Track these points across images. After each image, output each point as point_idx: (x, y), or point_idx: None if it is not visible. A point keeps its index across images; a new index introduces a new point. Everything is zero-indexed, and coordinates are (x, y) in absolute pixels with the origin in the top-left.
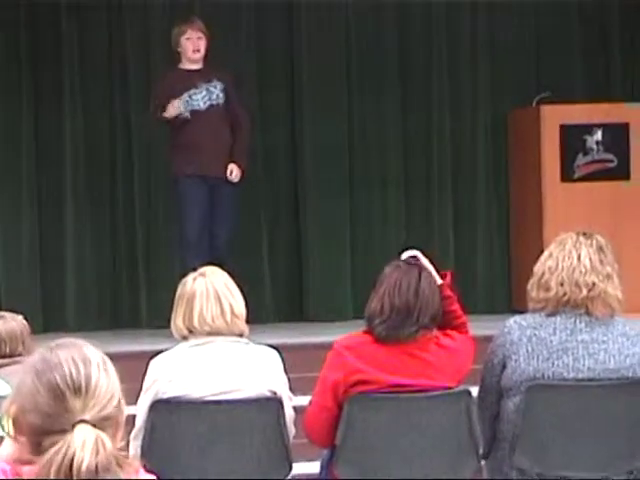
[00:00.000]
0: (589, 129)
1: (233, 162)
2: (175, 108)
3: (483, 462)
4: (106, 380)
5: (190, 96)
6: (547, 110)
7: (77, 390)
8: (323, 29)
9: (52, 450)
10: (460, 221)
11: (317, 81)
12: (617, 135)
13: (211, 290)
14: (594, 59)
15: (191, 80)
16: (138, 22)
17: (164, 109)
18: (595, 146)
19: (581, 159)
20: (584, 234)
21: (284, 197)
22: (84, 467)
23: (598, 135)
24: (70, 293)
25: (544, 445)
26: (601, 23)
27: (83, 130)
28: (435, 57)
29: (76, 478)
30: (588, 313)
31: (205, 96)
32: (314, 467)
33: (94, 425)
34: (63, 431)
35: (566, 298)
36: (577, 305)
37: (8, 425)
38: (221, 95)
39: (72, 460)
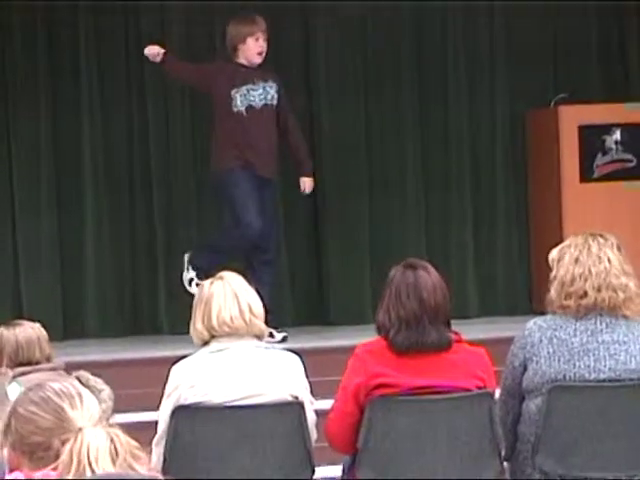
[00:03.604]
0: (608, 129)
1: (305, 174)
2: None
3: (505, 464)
4: (93, 401)
5: (248, 90)
6: (565, 111)
7: (73, 403)
8: (339, 29)
9: (68, 446)
10: (479, 222)
11: (334, 83)
12: (636, 135)
13: (229, 291)
14: (612, 59)
15: (249, 75)
16: (155, 26)
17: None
18: (614, 146)
19: (600, 159)
20: (600, 235)
21: (303, 199)
22: (101, 459)
23: (617, 135)
24: (90, 300)
25: (566, 446)
26: (619, 24)
27: (101, 134)
28: (452, 59)
29: (93, 470)
30: (619, 314)
31: (262, 94)
32: (336, 471)
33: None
34: (71, 431)
35: (605, 303)
36: (613, 308)
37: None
38: (275, 96)
39: (88, 452)
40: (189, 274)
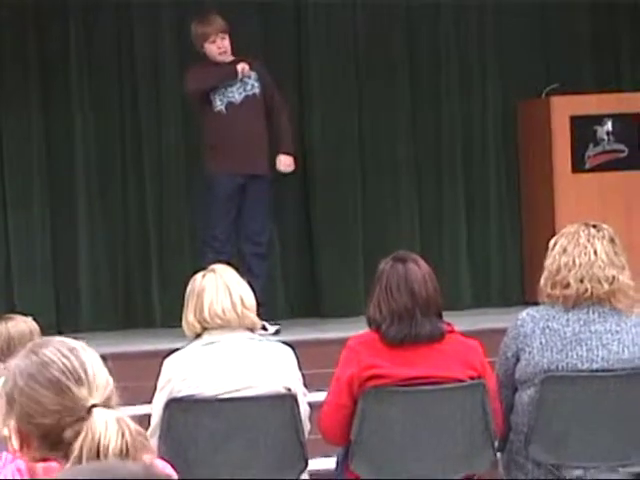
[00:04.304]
0: (599, 120)
1: (282, 152)
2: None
3: (499, 454)
4: (96, 362)
5: (225, 88)
6: (557, 101)
7: (78, 379)
8: (331, 22)
9: (79, 440)
10: (472, 213)
11: (326, 74)
12: (627, 125)
13: (221, 284)
14: (603, 50)
15: (225, 73)
16: (147, 20)
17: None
18: (606, 136)
19: (592, 150)
20: (593, 226)
21: (294, 191)
22: (111, 452)
23: (608, 125)
24: (83, 293)
25: (559, 436)
26: (610, 14)
27: (93, 130)
28: (444, 50)
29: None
30: (611, 306)
31: (240, 87)
32: (330, 463)
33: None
34: (81, 419)
35: (587, 294)
36: (600, 299)
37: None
38: (256, 84)
39: (99, 444)
40: None
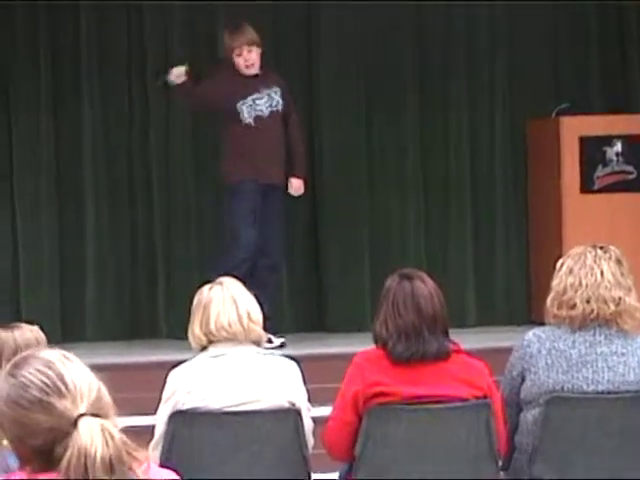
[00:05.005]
0: (608, 141)
1: (294, 176)
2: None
3: (502, 473)
4: (75, 370)
5: (254, 101)
6: (566, 121)
7: (59, 392)
8: (341, 32)
9: (67, 455)
10: (478, 232)
11: (335, 85)
12: (637, 147)
13: (227, 296)
14: (613, 71)
15: (253, 85)
16: (158, 13)
17: (204, 101)
18: (615, 157)
19: (601, 170)
20: (600, 247)
21: (302, 204)
22: (98, 461)
23: (618, 147)
24: (89, 303)
25: (563, 457)
26: (620, 36)
27: (102, 131)
28: (453, 68)
29: (92, 476)
30: (617, 328)
31: (267, 102)
32: (333, 477)
33: (93, 415)
34: (68, 433)
35: (594, 315)
36: (606, 321)
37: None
38: (280, 101)
39: (86, 458)
40: None
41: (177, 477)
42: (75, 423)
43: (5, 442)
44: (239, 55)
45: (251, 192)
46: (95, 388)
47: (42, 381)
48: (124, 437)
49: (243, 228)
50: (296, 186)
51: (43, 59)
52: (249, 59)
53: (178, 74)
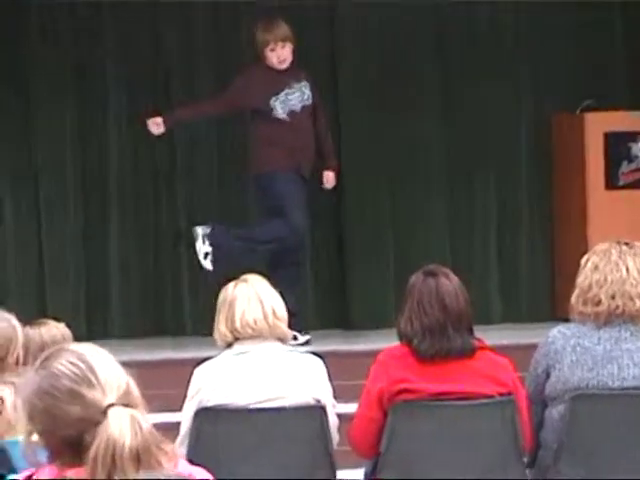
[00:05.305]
0: (634, 137)
1: (327, 169)
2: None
3: (527, 470)
4: (106, 362)
5: (287, 96)
6: (591, 118)
7: (89, 383)
8: (363, 31)
9: (94, 445)
10: (503, 227)
11: (358, 83)
12: None
13: (252, 294)
14: (638, 65)
15: (285, 80)
16: (181, 18)
17: (236, 102)
18: None
19: (626, 167)
20: (626, 243)
21: (325, 200)
22: (126, 451)
23: None
24: (114, 300)
25: (589, 454)
26: None
27: (126, 133)
28: (478, 63)
29: (119, 466)
30: None
31: (299, 96)
32: (358, 474)
33: (122, 405)
34: (98, 422)
35: (619, 311)
36: (632, 317)
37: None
38: (310, 95)
39: (114, 447)
40: (205, 247)
41: (210, 477)
42: (105, 412)
43: (35, 437)
44: (273, 50)
45: (293, 177)
46: (124, 382)
47: (72, 372)
48: (153, 429)
49: (294, 207)
50: (330, 179)
51: (68, 60)
52: (282, 55)
53: (157, 126)
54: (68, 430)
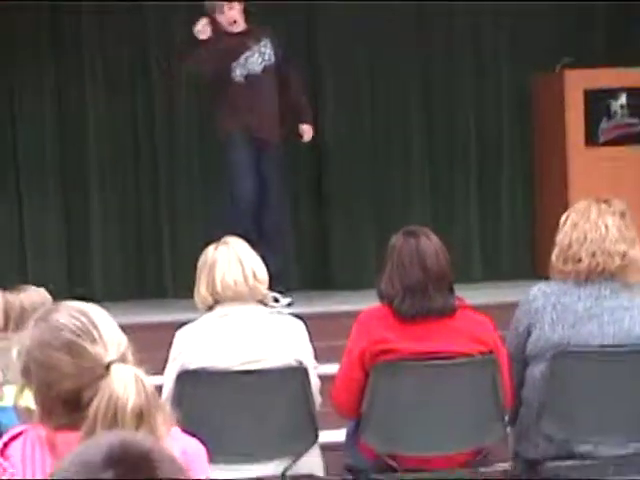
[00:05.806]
0: (613, 93)
1: (302, 122)
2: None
3: (508, 428)
4: (108, 321)
5: (246, 59)
6: (571, 75)
7: (92, 338)
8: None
9: (95, 400)
10: (484, 186)
11: (338, 52)
12: None
13: (233, 256)
14: (617, 23)
15: (243, 43)
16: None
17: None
18: (620, 110)
19: (605, 123)
20: (604, 201)
21: (307, 165)
22: (129, 410)
23: (622, 99)
24: (95, 264)
25: (570, 411)
26: None
27: (105, 108)
28: (457, 27)
29: (120, 425)
30: (623, 282)
31: (259, 57)
32: (340, 435)
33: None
34: (99, 377)
35: (600, 268)
36: (612, 274)
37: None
38: (271, 53)
39: (117, 404)
40: None
41: (202, 448)
42: (107, 368)
43: (27, 397)
44: (222, 12)
45: (243, 143)
46: (124, 341)
47: (75, 325)
48: (154, 390)
49: (239, 177)
50: (307, 131)
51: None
52: (230, 16)
53: (203, 29)
54: (66, 384)
